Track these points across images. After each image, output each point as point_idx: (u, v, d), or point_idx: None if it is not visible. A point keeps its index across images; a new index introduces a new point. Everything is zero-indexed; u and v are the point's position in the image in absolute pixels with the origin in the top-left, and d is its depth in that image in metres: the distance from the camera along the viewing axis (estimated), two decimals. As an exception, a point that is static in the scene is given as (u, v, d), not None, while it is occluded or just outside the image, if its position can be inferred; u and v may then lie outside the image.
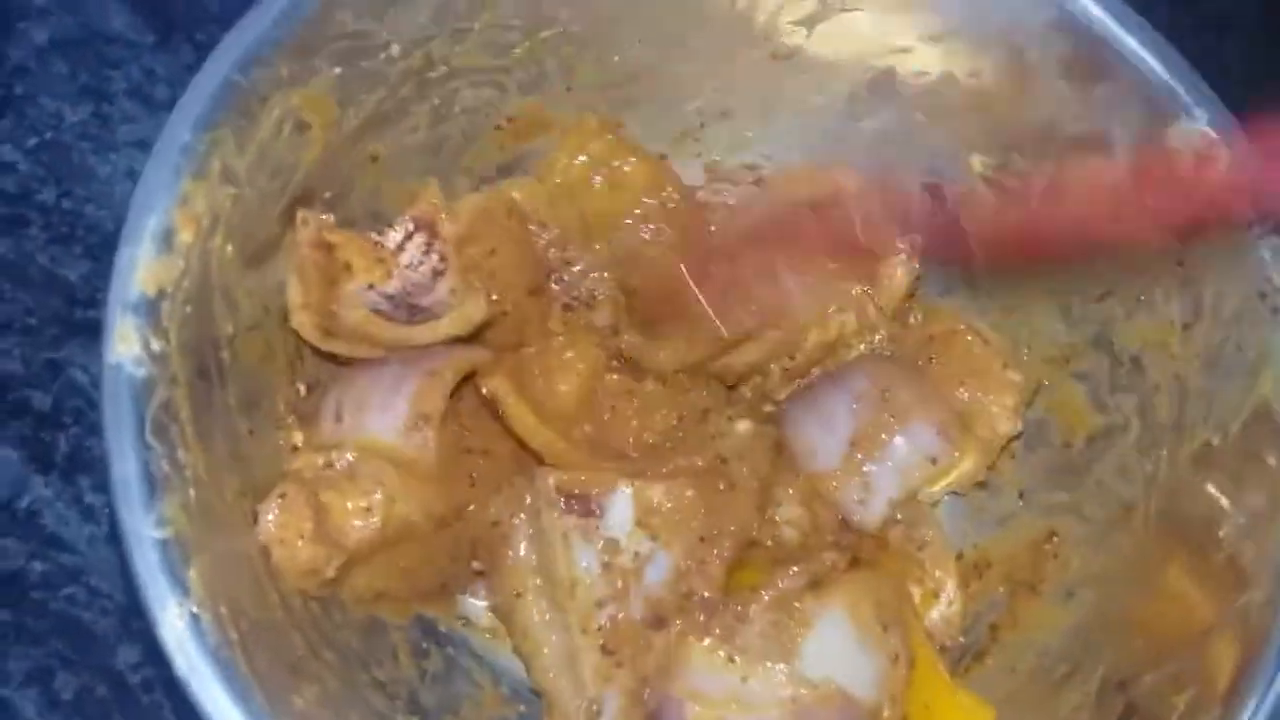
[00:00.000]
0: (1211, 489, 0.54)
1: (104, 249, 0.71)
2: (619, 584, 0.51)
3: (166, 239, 0.47)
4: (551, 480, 0.51)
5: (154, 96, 0.75)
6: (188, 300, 0.48)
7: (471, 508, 0.54)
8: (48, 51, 0.75)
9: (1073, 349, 0.61)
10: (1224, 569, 0.51)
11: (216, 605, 0.43)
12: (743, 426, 0.56)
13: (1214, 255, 0.55)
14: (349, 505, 0.50)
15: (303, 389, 0.56)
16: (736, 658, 0.51)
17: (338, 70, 0.53)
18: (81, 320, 0.69)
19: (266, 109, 0.51)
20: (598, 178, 0.61)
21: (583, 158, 0.62)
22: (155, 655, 0.62)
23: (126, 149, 0.73)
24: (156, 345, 0.46)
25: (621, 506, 0.52)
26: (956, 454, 0.57)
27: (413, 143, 0.60)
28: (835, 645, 0.51)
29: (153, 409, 0.45)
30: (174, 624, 0.41)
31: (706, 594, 0.51)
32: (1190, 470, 0.55)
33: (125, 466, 0.43)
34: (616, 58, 0.62)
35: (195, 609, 0.42)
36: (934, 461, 0.57)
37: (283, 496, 0.50)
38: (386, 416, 0.51)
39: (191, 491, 0.45)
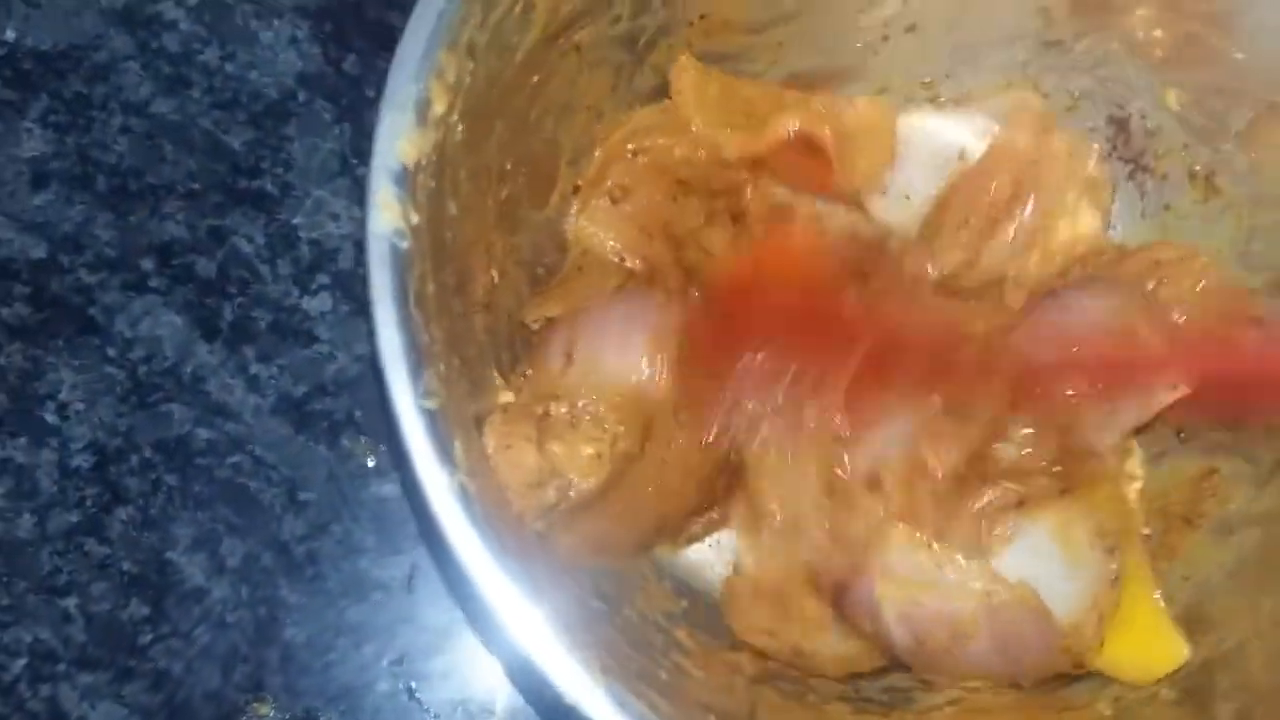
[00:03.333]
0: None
1: (267, 117, 0.70)
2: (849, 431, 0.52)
3: (423, 109, 0.47)
4: None
5: (316, -37, 0.74)
6: (432, 175, 0.48)
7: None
8: (208, -94, 0.73)
9: (1250, 293, 0.62)
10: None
11: (476, 477, 0.43)
12: None
13: None
14: (577, 453, 0.50)
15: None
16: (935, 544, 0.52)
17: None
18: (245, 190, 0.68)
19: (507, -18, 0.50)
20: None
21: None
22: (319, 529, 0.64)
23: (290, 15, 0.72)
24: (415, 218, 0.46)
25: None
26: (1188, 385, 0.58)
27: (613, 34, 0.59)
28: (1038, 561, 0.52)
29: (414, 281, 0.45)
30: (444, 494, 0.42)
31: (934, 473, 0.52)
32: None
33: (392, 336, 0.43)
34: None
35: (464, 479, 0.42)
36: (1174, 388, 0.58)
37: (505, 409, 0.50)
38: (627, 353, 0.51)
39: (441, 366, 0.45)
